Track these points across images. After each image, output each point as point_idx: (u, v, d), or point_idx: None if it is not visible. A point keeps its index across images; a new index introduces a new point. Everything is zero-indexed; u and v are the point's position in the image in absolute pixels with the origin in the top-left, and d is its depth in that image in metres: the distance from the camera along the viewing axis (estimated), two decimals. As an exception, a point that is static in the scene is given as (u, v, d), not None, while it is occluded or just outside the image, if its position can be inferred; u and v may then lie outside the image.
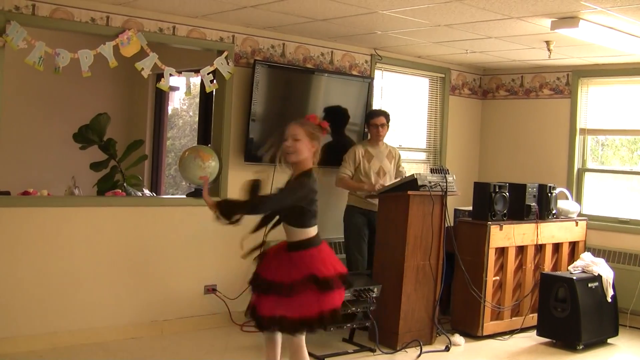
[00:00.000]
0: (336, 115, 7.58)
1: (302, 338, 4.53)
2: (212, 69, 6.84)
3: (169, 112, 10.18)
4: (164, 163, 10.05)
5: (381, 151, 7.24)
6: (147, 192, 8.54)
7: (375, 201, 6.98)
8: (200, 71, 6.81)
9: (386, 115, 7.28)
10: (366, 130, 7.54)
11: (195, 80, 6.97)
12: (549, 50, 7.04)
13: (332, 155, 7.45)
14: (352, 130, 7.68)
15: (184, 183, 9.37)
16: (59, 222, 6.19)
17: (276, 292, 4.49)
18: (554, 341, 7.00)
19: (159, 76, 6.89)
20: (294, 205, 4.49)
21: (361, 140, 7.66)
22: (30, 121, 8.79)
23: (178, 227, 6.79)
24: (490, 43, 7.29)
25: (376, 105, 8.06)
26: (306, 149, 4.56)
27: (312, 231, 4.57)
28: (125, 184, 8.04)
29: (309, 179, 4.55)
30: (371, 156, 7.17)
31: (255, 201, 4.47)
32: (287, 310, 4.45)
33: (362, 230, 7.21)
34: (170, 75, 6.66)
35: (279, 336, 4.73)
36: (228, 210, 4.41)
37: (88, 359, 5.97)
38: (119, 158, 8.27)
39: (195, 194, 6.97)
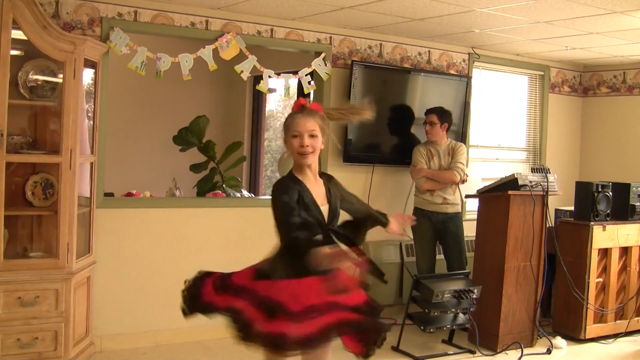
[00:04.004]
0: (401, 114, 7.49)
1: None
2: (310, 70, 6.89)
3: (266, 113, 10.29)
4: (261, 164, 10.15)
5: (442, 149, 7.09)
6: (245, 193, 8.63)
7: (438, 202, 6.99)
8: (299, 73, 6.87)
9: (439, 113, 7.04)
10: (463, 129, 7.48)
11: (292, 82, 7.02)
12: (654, 44, 6.87)
13: (399, 155, 7.44)
14: (451, 130, 7.47)
15: (281, 184, 9.43)
16: (161, 222, 6.34)
17: None
18: (661, 345, 6.81)
19: (256, 78, 6.97)
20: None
21: (460, 139, 7.57)
22: (133, 124, 9.03)
23: (276, 228, 6.83)
24: (591, 39, 7.12)
25: (474, 104, 7.98)
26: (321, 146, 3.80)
27: None
28: (224, 185, 8.15)
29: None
30: (432, 155, 7.06)
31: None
32: None
33: (425, 233, 7.06)
34: (269, 77, 6.74)
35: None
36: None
37: (189, 357, 6.10)
38: (218, 160, 8.40)
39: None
